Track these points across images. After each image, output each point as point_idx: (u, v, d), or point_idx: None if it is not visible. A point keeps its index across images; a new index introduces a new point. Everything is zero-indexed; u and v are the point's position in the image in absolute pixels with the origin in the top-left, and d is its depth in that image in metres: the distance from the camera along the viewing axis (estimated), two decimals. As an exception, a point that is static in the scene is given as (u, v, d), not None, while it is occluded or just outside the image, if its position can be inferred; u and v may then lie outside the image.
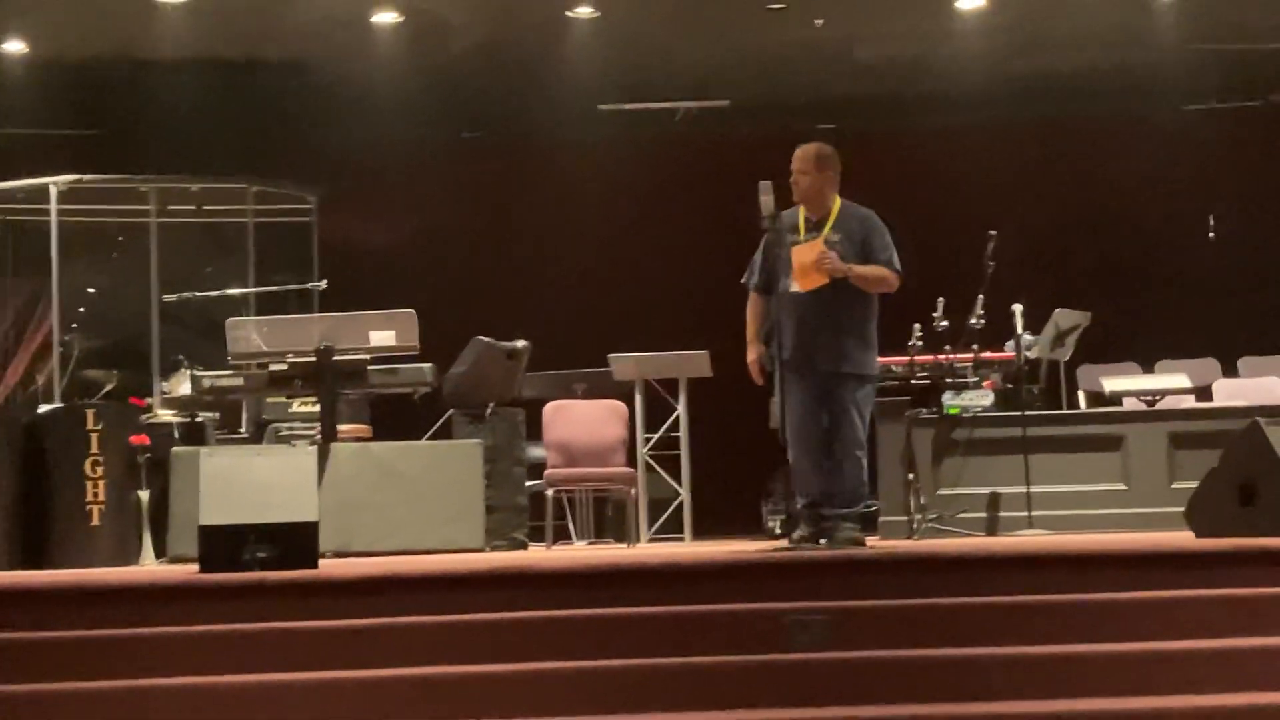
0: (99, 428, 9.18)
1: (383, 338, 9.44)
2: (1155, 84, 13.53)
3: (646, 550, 9.62)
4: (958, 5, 12.23)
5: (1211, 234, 11.78)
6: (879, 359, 10.57)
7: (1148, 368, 11.86)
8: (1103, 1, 11.99)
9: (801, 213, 7.86)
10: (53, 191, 12.87)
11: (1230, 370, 12.02)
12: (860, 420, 7.75)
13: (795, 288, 7.65)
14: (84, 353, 12.76)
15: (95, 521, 9.08)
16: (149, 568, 9.09)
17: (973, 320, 9.86)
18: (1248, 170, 13.98)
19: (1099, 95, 13.82)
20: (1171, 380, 10.74)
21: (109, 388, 11.74)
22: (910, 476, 9.61)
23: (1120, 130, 14.19)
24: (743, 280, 8.06)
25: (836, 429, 7.70)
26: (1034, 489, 9.38)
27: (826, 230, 7.74)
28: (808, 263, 7.65)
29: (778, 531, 10.75)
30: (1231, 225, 12.88)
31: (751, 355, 7.97)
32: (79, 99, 12.97)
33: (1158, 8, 12.31)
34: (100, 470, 9.11)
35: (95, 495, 9.09)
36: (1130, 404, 10.44)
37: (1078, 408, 11.23)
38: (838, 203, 7.87)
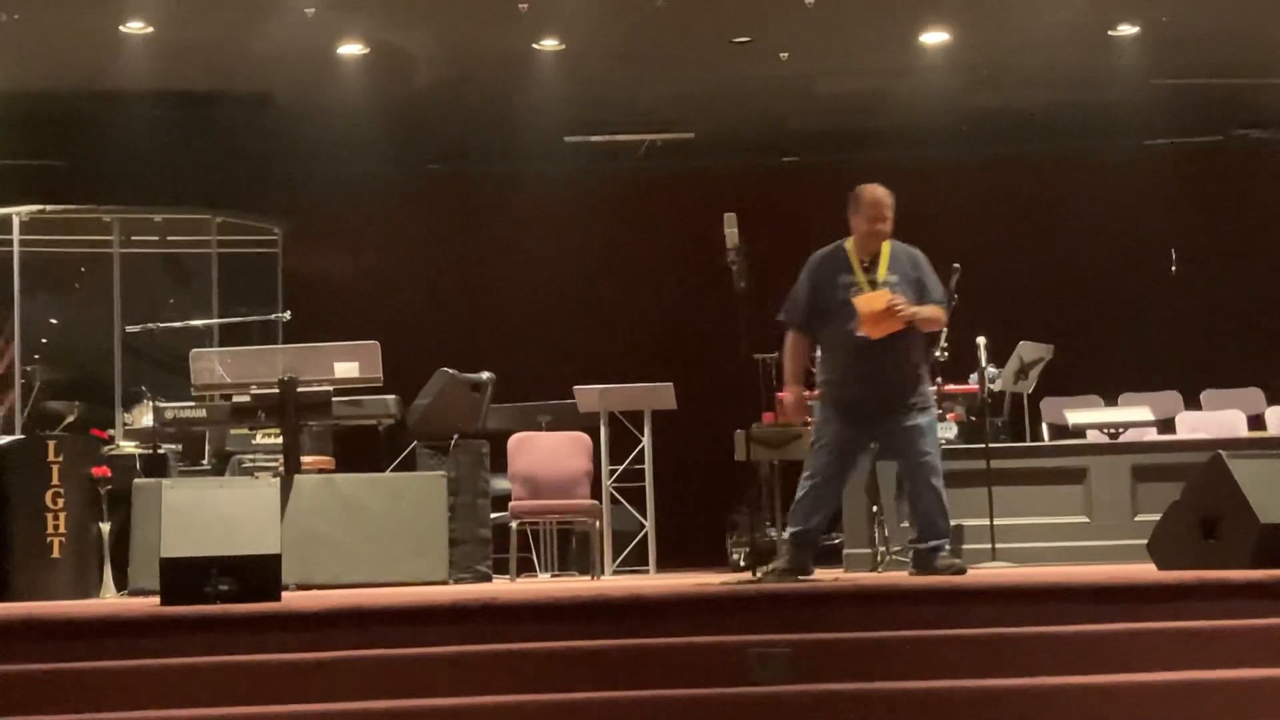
0: (60, 459, 9.12)
1: (347, 369, 9.42)
2: (1117, 120, 13.64)
3: (611, 583, 9.60)
4: (921, 40, 12.30)
5: (1174, 268, 11.88)
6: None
7: (1110, 400, 11.92)
8: (1064, 38, 12.07)
9: (851, 254, 7.88)
10: (15, 222, 12.84)
11: (1193, 403, 12.09)
12: (935, 450, 7.84)
13: (862, 333, 7.64)
14: (45, 384, 12.69)
15: (56, 554, 9.01)
16: (110, 600, 9.02)
17: (936, 353, 9.89)
18: (1209, 205, 14.09)
19: (1061, 130, 13.92)
20: (1134, 413, 10.79)
21: (70, 419, 11.68)
22: (874, 509, 9.62)
23: (1082, 165, 14.29)
24: (780, 317, 8.00)
25: (915, 463, 7.79)
26: (997, 521, 9.40)
27: (883, 272, 7.78)
28: (878, 310, 7.63)
29: (742, 564, 10.74)
30: (1193, 260, 12.99)
31: (791, 395, 7.97)
32: (42, 129, 12.93)
33: (1119, 44, 12.41)
34: (61, 502, 9.05)
35: (56, 527, 9.03)
36: (1093, 436, 10.49)
37: (1041, 440, 11.27)
38: (888, 243, 7.88)
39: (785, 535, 7.91)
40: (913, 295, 7.75)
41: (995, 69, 12.77)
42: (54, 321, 13.50)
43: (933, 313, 7.85)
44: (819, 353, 8.09)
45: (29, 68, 12.05)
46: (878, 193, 7.87)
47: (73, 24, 11.35)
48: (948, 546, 7.87)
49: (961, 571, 7.66)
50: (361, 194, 14.06)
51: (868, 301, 7.68)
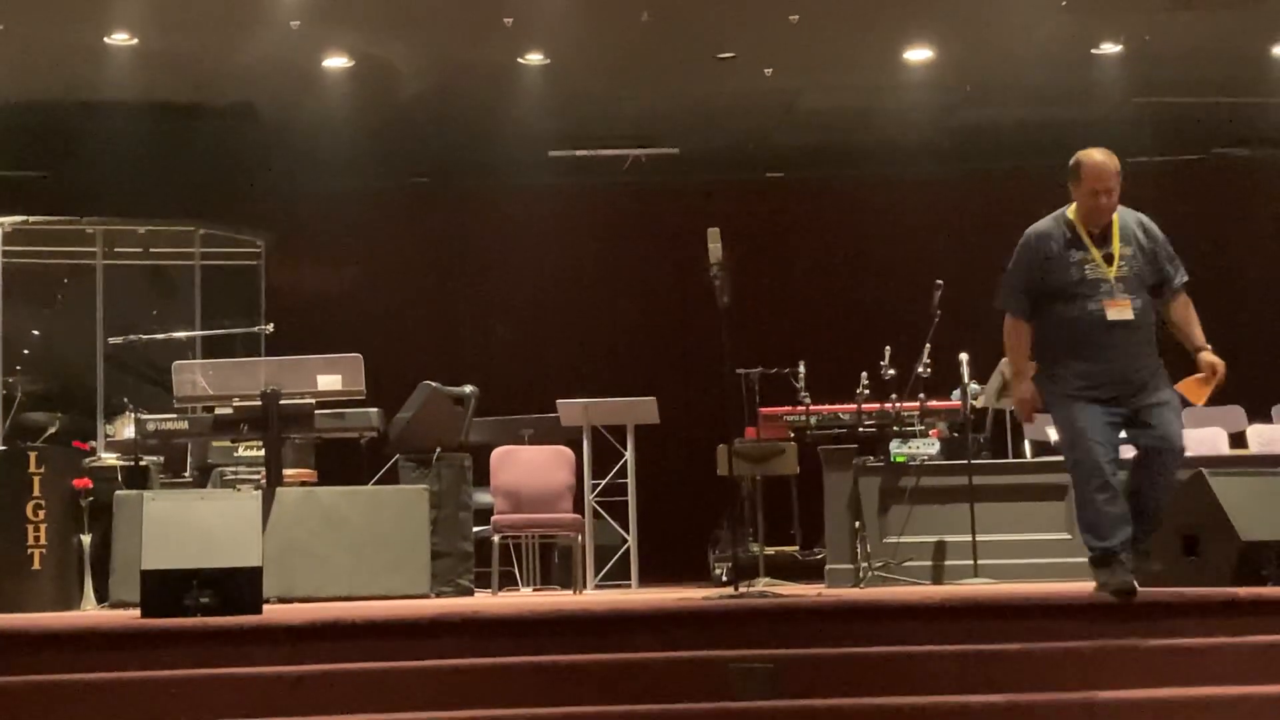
0: (41, 471, 9.10)
1: (329, 382, 9.41)
2: (1099, 137, 13.55)
3: (592, 597, 9.59)
4: (904, 57, 12.33)
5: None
6: (829, 407, 10.73)
7: (1092, 417, 11.92)
8: (1047, 55, 12.11)
9: (1080, 226, 7.09)
10: (-2, 233, 12.81)
11: (1173, 420, 12.09)
12: (1180, 443, 6.91)
13: (1112, 315, 6.88)
14: (27, 395, 12.65)
15: (36, 565, 8.98)
16: (91, 612, 8.99)
17: (919, 369, 9.92)
18: (1190, 223, 14.09)
19: (1044, 147, 13.91)
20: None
21: (52, 431, 11.64)
22: (857, 524, 9.63)
23: (1064, 182, 14.29)
24: (997, 304, 7.33)
25: (1167, 445, 6.83)
26: (979, 537, 9.42)
27: (1116, 245, 7.02)
28: (1206, 391, 7.05)
29: (724, 578, 10.75)
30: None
31: (1026, 388, 7.11)
32: (26, 140, 12.90)
33: (1101, 62, 12.45)
34: (42, 514, 9.02)
35: (36, 539, 9.00)
36: (1075, 454, 10.48)
37: (1023, 457, 11.28)
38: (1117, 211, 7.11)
39: (1092, 553, 6.84)
40: (1146, 267, 7.01)
41: (978, 86, 12.81)
42: (36, 332, 13.47)
43: (1198, 329, 7.12)
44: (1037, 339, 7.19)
45: (13, 78, 12.03)
46: (1096, 157, 7.17)
47: (57, 35, 11.33)
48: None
49: (1130, 592, 6.64)
50: (345, 207, 14.05)
51: (1188, 389, 7.03)
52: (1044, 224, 7.19)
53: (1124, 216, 7.12)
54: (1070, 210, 7.18)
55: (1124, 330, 6.89)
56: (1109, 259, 6.99)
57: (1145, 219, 7.19)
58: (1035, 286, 7.10)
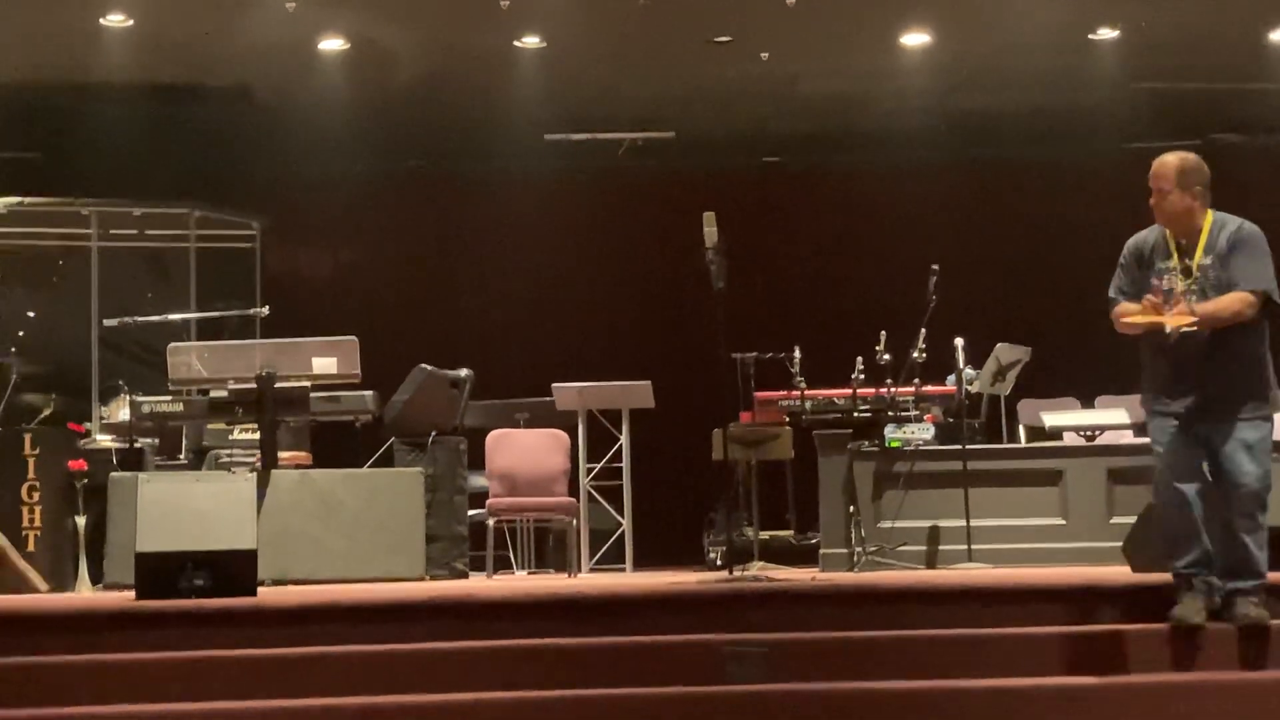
0: (36, 453, 9.11)
1: (325, 365, 9.40)
2: (1097, 123, 13.67)
3: (587, 580, 9.60)
4: (902, 42, 12.31)
5: (1152, 271, 11.89)
6: (824, 391, 10.72)
7: (1087, 403, 11.94)
8: (1045, 41, 12.10)
9: (1168, 235, 6.71)
10: (-8, 214, 12.79)
11: (1168, 407, 12.09)
12: (1258, 471, 6.35)
13: (1171, 326, 6.46)
14: (22, 377, 12.63)
15: (31, 547, 9.00)
16: (85, 595, 9.00)
17: (914, 354, 9.91)
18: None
19: (1041, 133, 13.95)
20: (1111, 416, 10.81)
21: (47, 412, 11.63)
22: (851, 509, 9.64)
23: (1062, 168, 14.32)
24: (1111, 295, 6.97)
25: (1229, 485, 6.35)
26: (974, 522, 9.43)
27: (1199, 254, 6.58)
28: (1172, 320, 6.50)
29: (719, 562, 10.76)
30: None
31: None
32: (21, 121, 12.87)
33: (1100, 48, 12.44)
34: (36, 496, 9.03)
35: (31, 521, 9.01)
36: (1070, 439, 10.51)
37: (1018, 442, 11.29)
38: (1209, 219, 6.66)
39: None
40: (1226, 281, 6.51)
41: (976, 71, 12.79)
42: (31, 314, 13.45)
43: (1223, 307, 6.44)
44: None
45: (8, 59, 12.00)
46: (1155, 164, 6.75)
47: (52, 16, 11.31)
48: (1258, 590, 6.33)
49: (1264, 623, 6.25)
50: (341, 190, 14.03)
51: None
52: (1144, 231, 6.86)
53: (1217, 224, 6.65)
54: None
55: (1194, 345, 6.45)
56: (1188, 271, 6.59)
57: (1241, 226, 6.65)
58: (1128, 295, 6.77)
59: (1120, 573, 7.54)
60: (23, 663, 5.95)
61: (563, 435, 10.35)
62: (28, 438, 9.17)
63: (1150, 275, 6.65)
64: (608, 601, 6.46)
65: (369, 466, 10.29)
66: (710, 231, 7.74)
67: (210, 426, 10.56)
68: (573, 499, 10.26)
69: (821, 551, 9.76)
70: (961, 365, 9.90)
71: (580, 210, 14.15)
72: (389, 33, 12.00)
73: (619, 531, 10.90)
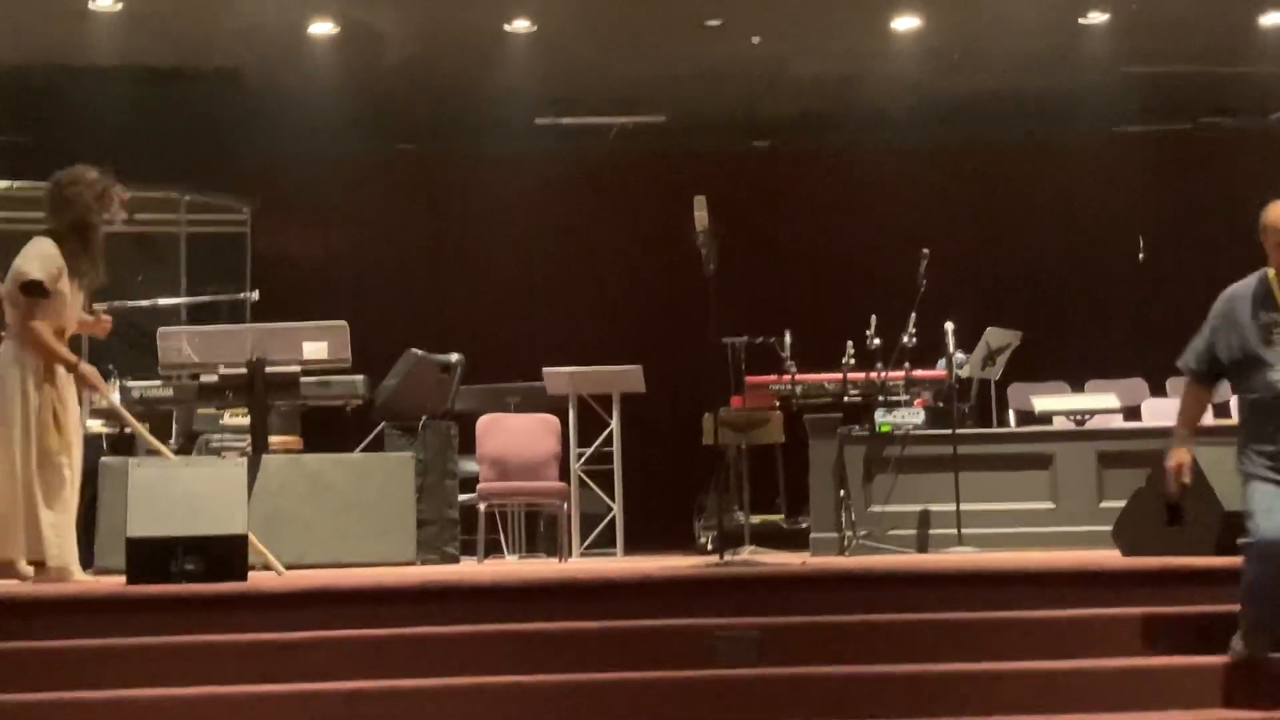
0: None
1: (315, 349, 9.39)
2: (1086, 106, 13.68)
3: (578, 565, 9.61)
4: (892, 25, 12.31)
5: (1141, 255, 11.91)
6: (814, 376, 10.73)
7: (1077, 387, 11.97)
8: (1034, 24, 12.09)
9: (1273, 280, 6.27)
10: (-18, 198, 12.75)
11: (1158, 390, 12.14)
12: None
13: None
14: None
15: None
16: (75, 579, 8.98)
17: (904, 338, 9.92)
18: (1176, 192, 14.15)
19: (1031, 116, 13.95)
20: (1100, 400, 10.84)
21: (36, 397, 11.60)
22: (842, 493, 9.65)
23: (1051, 151, 14.33)
24: (1179, 363, 6.56)
25: None
26: (964, 506, 9.44)
27: None
28: None
29: (709, 547, 10.77)
30: (1160, 247, 13.03)
31: (1181, 456, 6.36)
32: (9, 105, 12.84)
33: (1089, 31, 12.43)
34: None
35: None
36: (1060, 423, 10.53)
37: (1008, 426, 11.31)
38: None
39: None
40: None
41: (966, 54, 12.78)
42: (20, 299, 13.40)
43: None
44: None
45: (-3, 42, 11.98)
46: (1275, 212, 6.23)
47: (41, -1, 11.29)
48: None
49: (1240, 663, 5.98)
50: (331, 173, 14.00)
51: None
52: (1241, 283, 6.39)
53: None
54: (1272, 269, 6.30)
55: None
56: None
57: None
58: (1218, 351, 6.31)
59: (1110, 556, 7.57)
60: (12, 647, 5.94)
61: (553, 420, 10.35)
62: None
63: (1245, 331, 6.22)
64: (598, 586, 6.47)
65: (359, 451, 10.29)
66: (701, 215, 7.73)
67: (200, 411, 10.55)
68: (563, 483, 10.26)
69: (812, 536, 9.78)
70: (951, 349, 9.91)
71: (571, 194, 14.14)
72: (379, 16, 11.98)
73: (610, 516, 10.90)
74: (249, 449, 9.42)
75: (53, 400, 7.41)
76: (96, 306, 10.61)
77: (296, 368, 9.40)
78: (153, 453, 8.19)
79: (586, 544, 10.93)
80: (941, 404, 10.13)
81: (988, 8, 11.87)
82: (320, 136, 13.40)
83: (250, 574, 7.12)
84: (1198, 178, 14.07)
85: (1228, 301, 6.33)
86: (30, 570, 7.26)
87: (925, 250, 9.88)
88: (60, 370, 7.49)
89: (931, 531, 9.58)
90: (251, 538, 7.47)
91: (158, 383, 9.72)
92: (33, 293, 7.44)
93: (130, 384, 9.80)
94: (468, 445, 10.25)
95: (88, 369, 7.64)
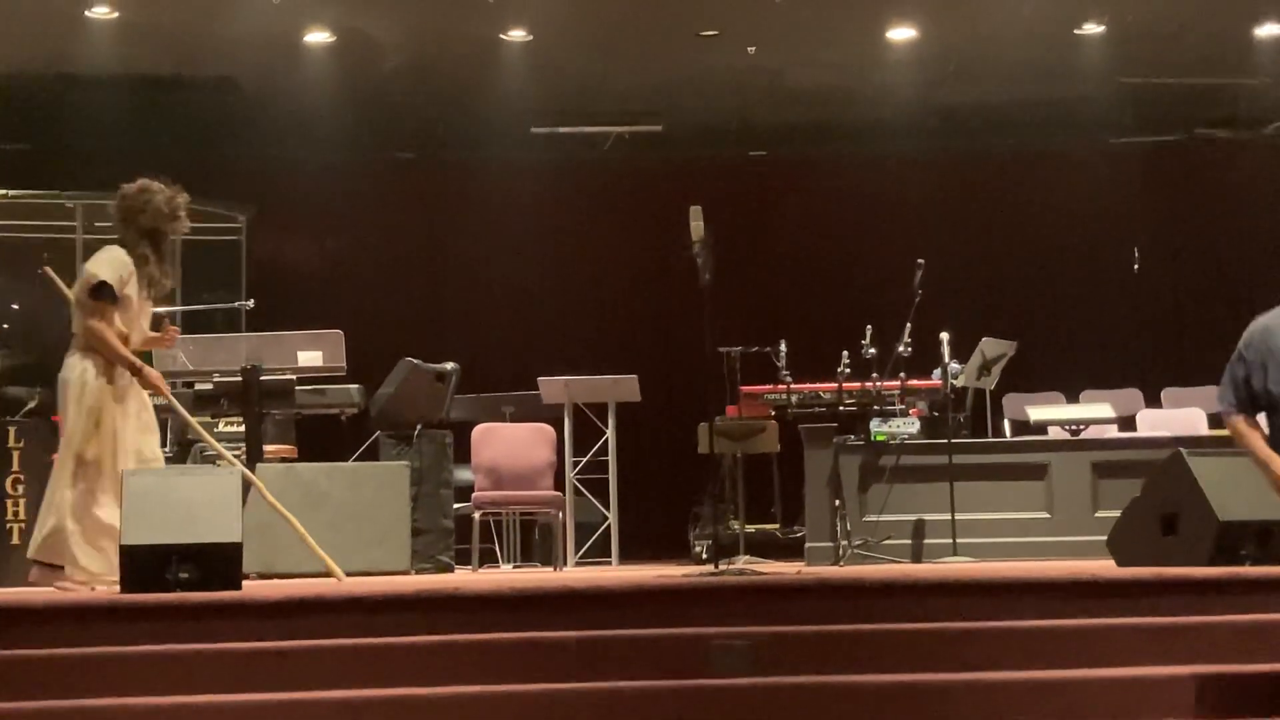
0: (20, 445, 9.08)
1: (310, 358, 9.40)
2: (1081, 117, 13.70)
3: (573, 574, 9.61)
4: (888, 35, 12.34)
5: (1136, 266, 11.93)
6: (810, 385, 10.73)
7: (1072, 397, 11.98)
8: (1030, 35, 12.12)
9: None
10: (-22, 206, 12.76)
11: (1153, 401, 12.16)
12: None
13: None
14: (6, 370, 12.61)
15: (15, 540, 8.97)
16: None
17: (900, 348, 9.93)
18: (1171, 203, 14.16)
19: (1026, 126, 13.98)
20: (1095, 410, 10.85)
21: (31, 405, 11.59)
22: (837, 503, 9.65)
23: (1046, 161, 14.35)
24: (1218, 404, 6.57)
25: None
26: (959, 516, 9.44)
27: None
28: None
29: (704, 556, 10.77)
30: (1155, 257, 13.06)
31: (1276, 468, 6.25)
32: (6, 113, 12.85)
33: (1084, 42, 12.47)
34: (21, 488, 9.00)
35: (15, 514, 8.98)
36: (1055, 433, 10.54)
37: (1003, 436, 11.32)
38: None
39: None
40: None
41: (961, 65, 12.82)
42: (15, 307, 13.42)
43: None
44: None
45: (-7, 50, 12.00)
46: None
47: (38, 7, 11.29)
48: None
49: None
50: (326, 182, 14.01)
51: None
52: (1270, 315, 6.22)
53: None
54: None
55: None
56: None
57: None
58: (1255, 385, 6.22)
59: (1105, 566, 7.56)
60: (7, 656, 5.93)
61: (548, 429, 10.35)
62: (12, 431, 9.14)
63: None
64: (593, 595, 6.46)
65: (354, 460, 10.28)
66: (696, 225, 7.73)
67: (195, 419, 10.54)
68: (558, 492, 10.26)
69: (807, 545, 9.78)
70: (947, 359, 9.91)
71: (566, 203, 14.16)
72: (375, 24, 12.00)
73: (605, 525, 10.90)
74: (244, 457, 9.42)
75: (111, 407, 7.46)
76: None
77: (291, 376, 9.40)
78: (213, 455, 8.23)
79: (581, 553, 10.93)
80: (937, 414, 10.15)
81: (983, 18, 11.90)
82: (316, 145, 13.41)
83: (245, 582, 7.12)
84: (1193, 188, 14.09)
85: (1258, 336, 6.12)
86: (81, 578, 7.34)
87: (920, 260, 9.89)
88: (120, 378, 7.54)
89: (926, 541, 9.59)
90: (310, 541, 7.49)
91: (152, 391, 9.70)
92: (101, 296, 7.47)
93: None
94: (463, 454, 10.25)
95: (151, 372, 7.68)
